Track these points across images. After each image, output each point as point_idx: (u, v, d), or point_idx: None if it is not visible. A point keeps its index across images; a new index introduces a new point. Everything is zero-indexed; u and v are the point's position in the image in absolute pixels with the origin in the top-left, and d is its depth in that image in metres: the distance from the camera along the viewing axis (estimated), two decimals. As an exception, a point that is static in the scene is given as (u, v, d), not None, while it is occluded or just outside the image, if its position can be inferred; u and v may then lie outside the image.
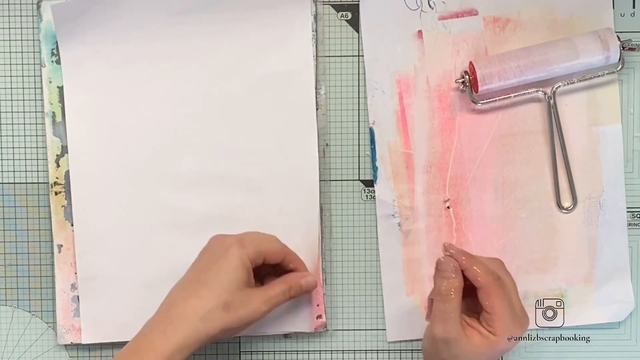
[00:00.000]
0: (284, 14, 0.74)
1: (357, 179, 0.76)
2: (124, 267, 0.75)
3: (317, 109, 0.75)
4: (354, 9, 0.75)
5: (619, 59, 0.73)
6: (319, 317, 0.76)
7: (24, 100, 0.75)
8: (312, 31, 0.74)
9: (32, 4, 0.75)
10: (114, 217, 0.74)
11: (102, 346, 0.76)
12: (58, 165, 0.75)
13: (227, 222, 0.74)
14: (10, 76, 0.75)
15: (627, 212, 0.76)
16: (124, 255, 0.75)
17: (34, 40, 0.75)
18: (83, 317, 0.75)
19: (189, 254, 0.71)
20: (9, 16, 0.75)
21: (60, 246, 0.75)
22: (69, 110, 0.74)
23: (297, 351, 0.77)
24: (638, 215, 0.76)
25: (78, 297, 0.75)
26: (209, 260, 0.69)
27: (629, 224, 0.76)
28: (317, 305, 0.75)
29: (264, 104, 0.74)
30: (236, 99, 0.74)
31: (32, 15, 0.75)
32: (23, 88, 0.75)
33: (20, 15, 0.75)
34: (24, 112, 0.75)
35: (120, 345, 0.73)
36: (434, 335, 0.67)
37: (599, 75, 0.74)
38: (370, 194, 0.76)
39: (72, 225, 0.75)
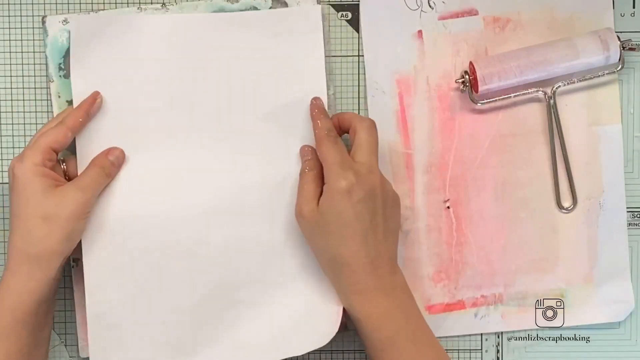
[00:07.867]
0: (296, 36, 0.73)
1: (357, 179, 0.76)
2: (136, 303, 0.71)
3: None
4: (354, 9, 0.75)
5: (619, 59, 0.73)
6: None
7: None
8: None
9: (38, 17, 0.74)
10: (125, 250, 0.71)
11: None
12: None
13: (243, 252, 0.72)
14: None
15: (627, 212, 0.76)
16: (135, 290, 0.71)
17: (43, 54, 0.74)
18: (92, 357, 0.71)
19: (205, 285, 0.71)
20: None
21: (77, 260, 0.73)
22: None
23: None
24: (638, 215, 0.76)
25: None
26: (13, 198, 0.67)
27: (629, 224, 0.76)
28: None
29: (279, 129, 0.73)
30: (250, 126, 0.73)
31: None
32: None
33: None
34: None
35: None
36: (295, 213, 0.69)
37: (599, 75, 0.74)
38: (370, 194, 0.76)
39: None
